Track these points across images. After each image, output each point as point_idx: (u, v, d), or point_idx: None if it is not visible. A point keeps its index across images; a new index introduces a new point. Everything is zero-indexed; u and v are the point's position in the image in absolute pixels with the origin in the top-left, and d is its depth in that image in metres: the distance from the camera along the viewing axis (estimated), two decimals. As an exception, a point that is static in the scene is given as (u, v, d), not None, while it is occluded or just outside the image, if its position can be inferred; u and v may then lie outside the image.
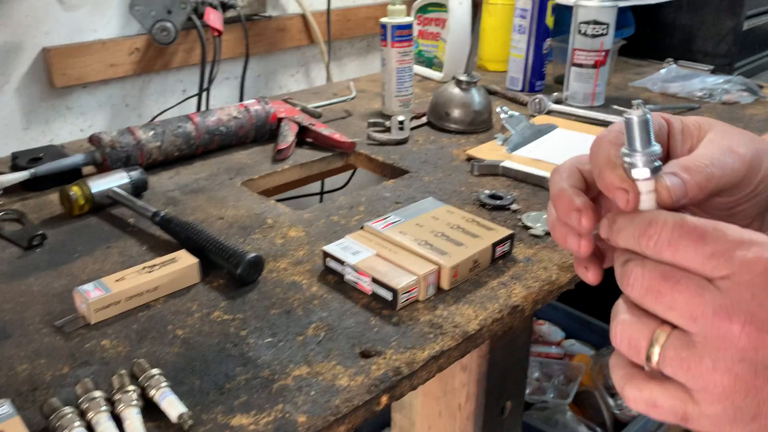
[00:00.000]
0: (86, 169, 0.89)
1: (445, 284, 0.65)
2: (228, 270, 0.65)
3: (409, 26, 1.10)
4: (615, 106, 1.19)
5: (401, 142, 1.03)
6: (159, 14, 0.97)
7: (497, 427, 0.77)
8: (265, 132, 1.00)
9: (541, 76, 1.28)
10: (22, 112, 1.05)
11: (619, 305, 0.32)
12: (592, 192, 0.37)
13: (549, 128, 1.07)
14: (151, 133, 0.90)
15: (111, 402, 0.48)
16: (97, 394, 0.48)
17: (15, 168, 0.86)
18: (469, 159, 0.96)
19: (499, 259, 0.70)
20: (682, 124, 0.38)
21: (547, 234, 0.76)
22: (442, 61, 1.36)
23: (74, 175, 0.86)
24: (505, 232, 0.71)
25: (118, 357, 0.55)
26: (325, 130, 0.99)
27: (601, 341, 1.64)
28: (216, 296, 0.63)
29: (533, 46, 1.25)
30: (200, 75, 1.13)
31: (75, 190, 0.78)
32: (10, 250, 0.72)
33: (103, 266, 0.69)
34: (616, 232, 0.33)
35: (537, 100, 1.17)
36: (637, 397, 0.31)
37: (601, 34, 1.15)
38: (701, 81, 1.28)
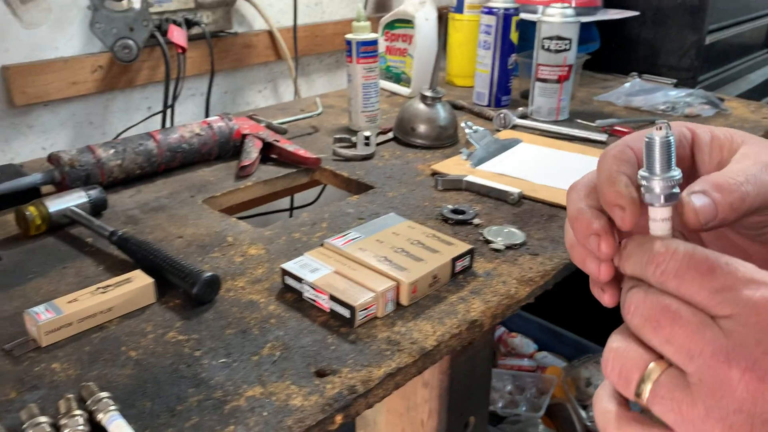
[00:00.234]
0: (45, 189, 0.87)
1: (404, 300, 0.64)
2: (184, 290, 0.64)
3: (374, 42, 1.11)
4: (579, 120, 1.20)
5: (367, 157, 1.04)
6: (120, 32, 0.96)
7: (462, 443, 0.77)
8: (228, 149, 1.00)
9: (507, 91, 1.30)
10: (-18, 130, 1.04)
11: (616, 332, 0.31)
12: None
13: (513, 143, 1.08)
14: (112, 151, 0.89)
15: (57, 427, 0.47)
16: (43, 419, 0.47)
17: (-29, 188, 0.84)
18: (434, 174, 0.97)
19: (459, 274, 0.70)
20: (711, 135, 0.35)
21: (508, 248, 0.76)
22: (410, 77, 1.36)
23: (32, 194, 0.84)
24: (465, 246, 0.71)
25: (68, 380, 0.54)
26: (289, 146, 0.99)
27: (573, 353, 1.65)
28: (172, 316, 0.63)
29: (498, 61, 1.26)
30: (164, 92, 1.13)
31: (31, 210, 0.76)
32: (-38, 272, 0.70)
33: (58, 287, 0.67)
34: (625, 258, 0.31)
35: (502, 115, 1.18)
36: None
37: (564, 50, 1.17)
38: (664, 94, 1.30)
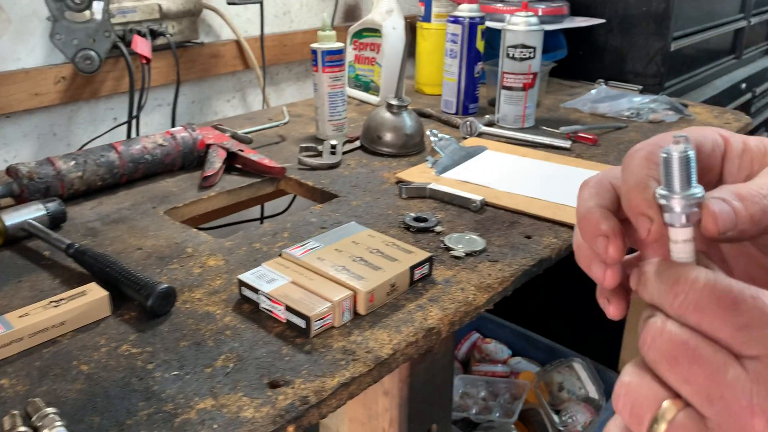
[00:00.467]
0: (4, 202, 0.86)
1: (361, 309, 0.64)
2: (139, 302, 0.64)
3: (339, 51, 1.11)
4: (544, 127, 1.21)
5: (333, 166, 1.04)
6: (82, 43, 0.95)
7: (425, 451, 0.77)
8: (192, 159, 0.99)
9: (474, 99, 1.31)
10: (-59, 143, 1.02)
11: (630, 364, 0.28)
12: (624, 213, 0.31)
13: (478, 150, 1.09)
14: (72, 162, 0.88)
15: (1, 445, 0.47)
16: (-14, 437, 0.46)
17: (-74, 202, 0.83)
18: (398, 182, 0.97)
19: (418, 282, 0.70)
20: (743, 145, 0.32)
21: (468, 255, 0.76)
22: (379, 86, 1.37)
23: (-10, 207, 0.83)
24: (424, 254, 0.71)
25: (16, 396, 0.53)
26: (254, 156, 0.99)
27: (546, 358, 1.66)
28: (126, 329, 0.62)
29: (465, 69, 1.27)
30: (129, 103, 1.12)
31: (-13, 224, 0.75)
32: None
33: (11, 302, 0.67)
34: (642, 285, 0.28)
35: (468, 123, 1.18)
36: None
37: (529, 58, 1.18)
38: (629, 101, 1.32)
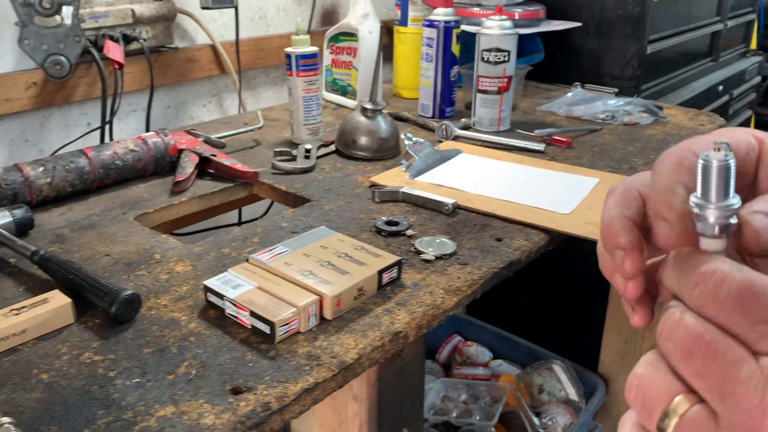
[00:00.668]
0: (-29, 208, 0.85)
1: (328, 314, 0.64)
2: (103, 309, 0.63)
3: (313, 56, 1.11)
4: (519, 130, 1.22)
5: (307, 170, 1.03)
6: (51, 48, 0.95)
7: (397, 455, 0.77)
8: (165, 164, 0.99)
9: (451, 102, 1.31)
10: None
11: (646, 356, 0.27)
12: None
13: (453, 153, 1.09)
14: (41, 169, 0.87)
15: (-46, 456, 0.46)
16: (-61, 448, 0.46)
17: None
18: (372, 186, 0.97)
19: (387, 286, 0.70)
20: None
21: (438, 258, 0.76)
22: (356, 89, 1.37)
23: (-44, 215, 0.82)
24: (392, 258, 0.71)
25: (-27, 406, 0.53)
26: (226, 161, 0.99)
27: (527, 360, 1.66)
28: (90, 337, 0.61)
29: (441, 73, 1.27)
30: (102, 108, 1.11)
31: (-49, 231, 0.74)
32: None
33: (-26, 310, 0.66)
34: (665, 271, 0.27)
35: (443, 126, 1.19)
36: None
37: (503, 61, 1.19)
38: (603, 103, 1.33)
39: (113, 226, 0.84)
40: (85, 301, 0.65)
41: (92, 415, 0.51)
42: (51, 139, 1.15)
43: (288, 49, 1.11)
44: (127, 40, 1.15)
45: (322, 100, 1.43)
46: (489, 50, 1.18)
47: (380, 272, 0.69)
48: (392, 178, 1.00)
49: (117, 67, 1.10)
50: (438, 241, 0.80)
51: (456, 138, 1.19)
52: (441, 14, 1.25)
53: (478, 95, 1.22)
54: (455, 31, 1.25)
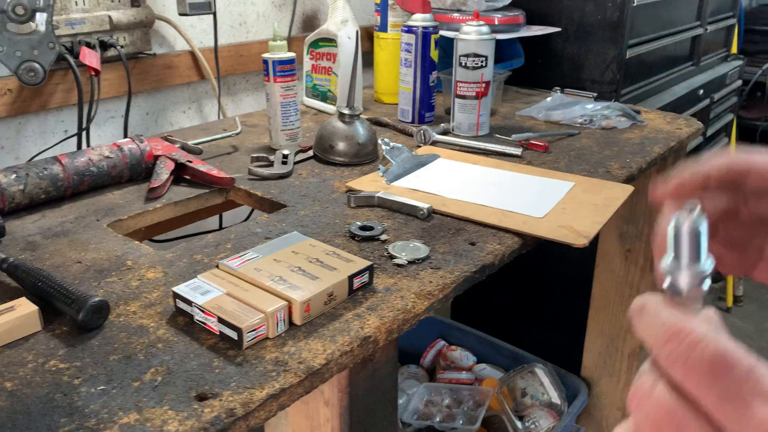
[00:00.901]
0: (-57, 216, 0.85)
1: (297, 320, 0.64)
2: (71, 316, 0.63)
3: (291, 61, 1.11)
4: (497, 135, 1.22)
5: (283, 176, 1.03)
6: (25, 55, 0.94)
7: (372, 461, 0.77)
8: (141, 171, 0.99)
9: (430, 107, 1.31)
10: None
11: (621, 425, 0.27)
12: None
13: (431, 158, 1.09)
14: (13, 176, 0.87)
15: None
16: None
17: None
18: (348, 191, 0.97)
19: (358, 291, 0.70)
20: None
21: (410, 263, 0.77)
22: (336, 95, 1.37)
23: (-74, 222, 0.82)
24: (364, 263, 0.71)
25: (-66, 416, 0.52)
26: (202, 167, 0.98)
27: (510, 364, 1.67)
28: (56, 344, 0.61)
29: (419, 79, 1.28)
30: (78, 115, 1.11)
31: None
32: None
33: (-59, 318, 0.65)
34: (639, 319, 0.26)
35: (422, 131, 1.19)
36: None
37: (481, 66, 1.19)
38: (582, 108, 1.33)
39: (86, 233, 0.84)
40: (53, 309, 0.65)
41: (55, 423, 0.51)
42: (27, 146, 1.15)
43: (265, 55, 1.11)
44: (104, 46, 1.15)
45: (302, 106, 1.43)
46: (467, 55, 1.19)
47: (351, 277, 0.69)
48: (369, 183, 1.00)
49: (93, 73, 1.10)
50: (411, 245, 0.81)
51: (434, 143, 1.19)
52: (419, 20, 1.26)
53: (457, 100, 1.23)
54: (434, 37, 1.26)
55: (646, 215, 1.43)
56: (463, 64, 1.20)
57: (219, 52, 1.33)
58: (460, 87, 1.22)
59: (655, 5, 1.66)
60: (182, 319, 0.65)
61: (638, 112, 1.35)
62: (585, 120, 1.30)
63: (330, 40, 1.34)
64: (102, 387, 0.55)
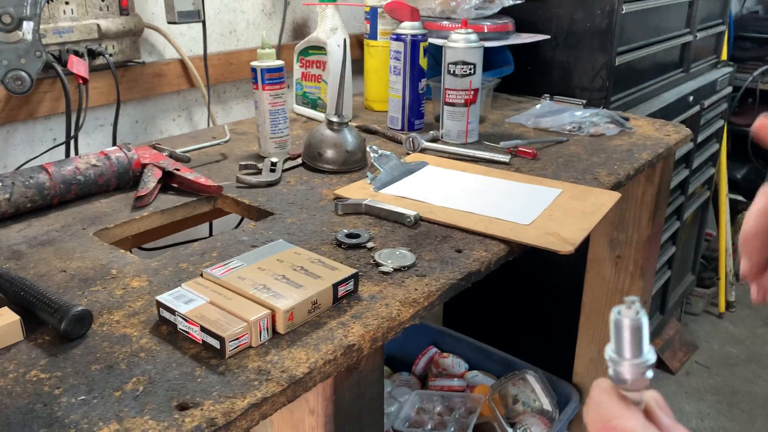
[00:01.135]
0: (-72, 225, 0.85)
1: (280, 328, 0.64)
2: (53, 326, 0.63)
3: (279, 69, 1.12)
4: (486, 142, 1.23)
5: (271, 184, 1.03)
6: (11, 63, 0.94)
7: (358, 469, 0.76)
8: (128, 179, 0.99)
9: (420, 115, 1.32)
10: None
11: None
12: None
13: (419, 166, 1.09)
14: (-1, 185, 0.87)
15: None
16: None
17: None
18: (335, 199, 0.97)
19: (343, 299, 0.70)
20: None
21: (396, 270, 0.77)
22: (326, 102, 1.37)
23: None
24: (349, 271, 0.71)
25: None
26: (190, 175, 0.98)
27: (502, 370, 1.67)
28: (38, 354, 0.61)
29: (408, 86, 1.28)
30: (66, 123, 1.11)
31: None
32: None
33: (-77, 329, 0.65)
34: (586, 405, 0.29)
35: (411, 139, 1.19)
36: None
37: (469, 74, 1.20)
38: (571, 115, 1.34)
39: (72, 241, 0.83)
40: (35, 319, 0.65)
41: (34, 433, 0.51)
42: (16, 154, 1.15)
43: (254, 63, 1.11)
44: (92, 54, 1.15)
45: (292, 113, 1.44)
46: (455, 63, 1.19)
47: (335, 285, 0.69)
48: (357, 190, 1.00)
49: (81, 82, 1.10)
50: (398, 253, 0.81)
51: (423, 150, 1.19)
52: (408, 28, 1.26)
53: (446, 108, 1.23)
54: (422, 45, 1.26)
55: (636, 222, 1.43)
56: (452, 72, 1.20)
57: (209, 60, 1.33)
58: (448, 94, 1.22)
59: (644, 13, 1.67)
60: (166, 328, 0.65)
61: (627, 119, 1.36)
62: (574, 127, 1.31)
63: (319, 48, 1.35)
64: (83, 397, 0.55)
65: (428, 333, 1.82)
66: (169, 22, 1.21)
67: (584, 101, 1.48)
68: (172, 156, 1.04)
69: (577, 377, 1.65)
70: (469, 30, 1.20)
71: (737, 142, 3.00)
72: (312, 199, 0.98)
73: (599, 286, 1.54)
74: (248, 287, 0.66)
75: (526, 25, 1.59)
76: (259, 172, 1.06)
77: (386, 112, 1.39)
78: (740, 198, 2.91)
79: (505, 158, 1.12)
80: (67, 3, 1.11)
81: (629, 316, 0.27)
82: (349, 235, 0.84)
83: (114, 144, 1.21)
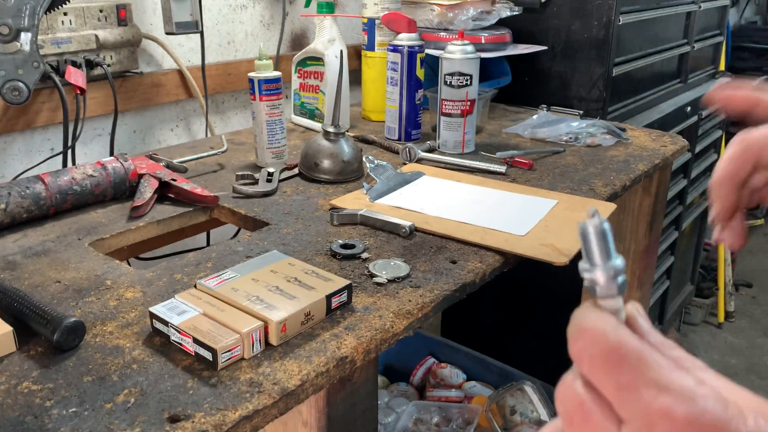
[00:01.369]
0: (-77, 236, 0.85)
1: (273, 340, 0.64)
2: (46, 337, 0.63)
3: (276, 80, 1.12)
4: (482, 153, 1.23)
5: (268, 194, 1.04)
6: (9, 74, 0.95)
7: (352, 481, 0.76)
8: (124, 189, 0.99)
9: (417, 125, 1.32)
10: None
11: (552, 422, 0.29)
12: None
13: (415, 176, 1.09)
14: (-5, 195, 0.87)
15: None
16: None
17: None
18: (331, 209, 0.97)
19: (336, 310, 0.70)
20: None
21: (390, 281, 0.77)
22: (323, 113, 1.38)
23: None
24: (343, 282, 0.71)
25: None
26: (186, 185, 0.99)
27: (500, 381, 1.66)
28: (30, 366, 0.61)
29: (405, 97, 1.28)
30: (64, 133, 1.11)
31: None
32: None
33: None
34: (571, 321, 0.28)
35: (407, 149, 1.20)
36: None
37: (466, 85, 1.20)
38: (567, 125, 1.34)
39: (67, 252, 0.84)
40: (28, 330, 0.65)
41: (24, 446, 0.51)
42: (13, 164, 1.15)
43: (251, 74, 1.11)
44: (90, 65, 1.15)
45: (290, 124, 1.44)
46: (451, 74, 1.20)
47: (329, 297, 0.69)
48: (352, 200, 1.00)
49: (79, 92, 1.10)
50: (392, 263, 0.81)
51: (420, 160, 1.20)
52: (405, 39, 1.27)
53: (442, 118, 1.23)
54: (419, 56, 1.27)
55: (633, 232, 1.43)
56: (448, 83, 1.21)
57: (207, 70, 1.34)
58: (445, 105, 1.22)
59: (642, 23, 1.68)
60: (159, 340, 0.65)
61: (624, 130, 1.36)
62: (570, 137, 1.31)
63: (317, 59, 1.35)
64: (74, 409, 0.55)
65: (426, 343, 1.82)
66: (167, 33, 1.21)
67: (581, 112, 1.49)
68: (169, 166, 1.04)
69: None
70: (466, 41, 1.20)
71: (736, 152, 3.00)
72: (308, 210, 0.98)
73: (597, 297, 1.54)
74: (241, 298, 0.66)
75: (523, 35, 1.60)
76: (255, 182, 1.07)
77: (383, 122, 1.39)
78: (739, 208, 2.91)
79: (502, 168, 1.12)
80: (65, 14, 1.12)
81: (593, 224, 0.28)
82: (344, 246, 0.85)
83: (111, 154, 1.22)
